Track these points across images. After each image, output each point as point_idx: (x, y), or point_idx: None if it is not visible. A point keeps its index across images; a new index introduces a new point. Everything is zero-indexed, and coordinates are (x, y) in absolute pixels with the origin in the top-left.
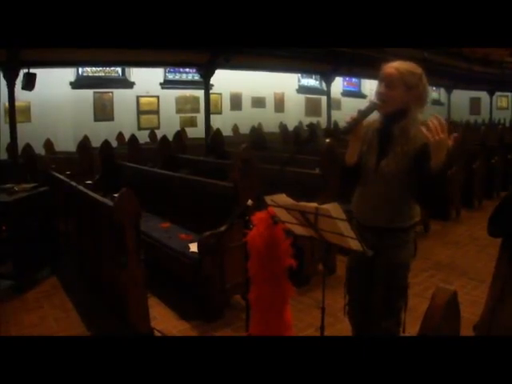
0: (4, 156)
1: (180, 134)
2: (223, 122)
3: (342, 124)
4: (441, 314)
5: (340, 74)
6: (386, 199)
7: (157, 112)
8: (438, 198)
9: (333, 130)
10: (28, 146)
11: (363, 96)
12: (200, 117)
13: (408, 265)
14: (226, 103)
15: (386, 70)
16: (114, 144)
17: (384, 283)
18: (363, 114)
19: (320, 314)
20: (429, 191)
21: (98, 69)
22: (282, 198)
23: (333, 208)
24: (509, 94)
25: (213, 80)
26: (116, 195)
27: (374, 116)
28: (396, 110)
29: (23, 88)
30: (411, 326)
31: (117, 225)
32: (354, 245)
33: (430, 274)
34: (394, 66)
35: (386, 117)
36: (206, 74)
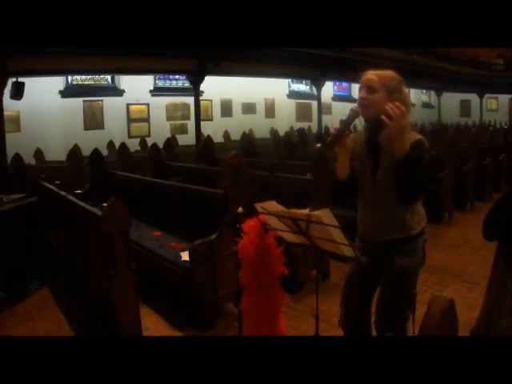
0: None
1: (170, 142)
2: (214, 129)
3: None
4: (437, 324)
5: (330, 79)
6: (389, 211)
7: (147, 120)
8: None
9: (323, 135)
10: (17, 156)
11: (353, 100)
12: (190, 124)
13: (417, 273)
14: (217, 110)
15: (365, 76)
16: (105, 152)
17: (392, 292)
18: (346, 123)
19: (314, 321)
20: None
21: (88, 77)
22: (273, 205)
23: (324, 214)
24: (498, 95)
25: (203, 87)
26: (105, 205)
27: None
28: (378, 116)
29: (12, 97)
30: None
31: (106, 235)
32: (347, 251)
33: (425, 277)
34: (373, 73)
35: (370, 127)
36: (196, 81)
